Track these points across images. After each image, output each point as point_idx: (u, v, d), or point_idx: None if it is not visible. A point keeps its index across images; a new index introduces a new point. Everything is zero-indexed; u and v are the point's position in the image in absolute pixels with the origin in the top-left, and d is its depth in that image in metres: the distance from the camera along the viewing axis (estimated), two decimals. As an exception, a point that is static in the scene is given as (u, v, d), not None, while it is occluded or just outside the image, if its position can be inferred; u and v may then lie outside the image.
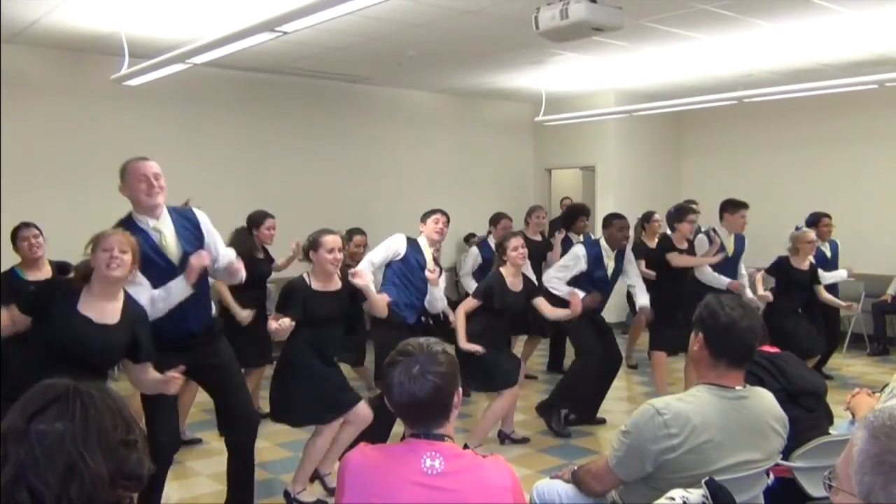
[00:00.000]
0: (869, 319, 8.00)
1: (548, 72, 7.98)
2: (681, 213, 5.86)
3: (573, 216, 6.89)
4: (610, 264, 5.38)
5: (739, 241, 5.96)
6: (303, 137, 8.48)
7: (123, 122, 7.18)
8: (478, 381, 4.78)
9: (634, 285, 5.71)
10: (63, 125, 6.96)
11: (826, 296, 6.42)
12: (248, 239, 5.31)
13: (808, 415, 2.78)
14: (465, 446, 4.57)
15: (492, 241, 6.43)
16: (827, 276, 6.58)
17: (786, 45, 6.68)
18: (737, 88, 7.57)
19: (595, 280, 5.35)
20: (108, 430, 1.19)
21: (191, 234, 3.33)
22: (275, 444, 5.03)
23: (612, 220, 5.46)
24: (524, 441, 5.17)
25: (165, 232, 3.25)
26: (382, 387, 1.92)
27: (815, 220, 6.82)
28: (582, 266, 5.32)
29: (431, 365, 1.80)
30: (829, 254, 6.86)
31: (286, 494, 4.03)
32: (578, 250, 5.38)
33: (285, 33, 4.79)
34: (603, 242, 5.40)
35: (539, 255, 6.71)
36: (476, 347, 4.65)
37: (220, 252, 3.47)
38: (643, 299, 5.62)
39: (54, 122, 6.93)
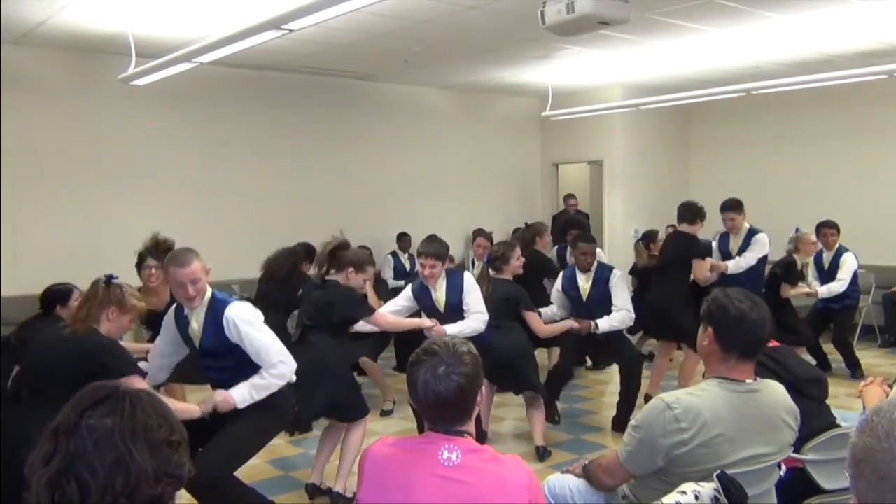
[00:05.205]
0: (879, 311, 7.95)
1: (554, 66, 7.95)
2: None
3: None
4: (585, 287, 5.11)
5: (745, 242, 5.94)
6: (309, 134, 8.48)
7: (131, 122, 7.20)
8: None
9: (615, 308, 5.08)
10: (70, 125, 6.98)
11: (790, 292, 6.17)
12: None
13: (812, 402, 2.77)
14: (537, 449, 4.62)
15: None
16: (823, 290, 6.34)
17: (794, 37, 6.63)
18: (745, 80, 7.52)
19: (572, 301, 5.22)
20: (154, 429, 1.25)
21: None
22: (287, 441, 5.04)
23: (577, 244, 5.21)
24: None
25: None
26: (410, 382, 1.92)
27: (817, 229, 6.64)
28: (558, 286, 5.29)
29: (457, 365, 1.83)
30: (826, 264, 6.60)
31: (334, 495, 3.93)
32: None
33: (291, 31, 4.79)
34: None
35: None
36: None
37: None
38: (603, 321, 4.98)
39: (62, 123, 6.95)
